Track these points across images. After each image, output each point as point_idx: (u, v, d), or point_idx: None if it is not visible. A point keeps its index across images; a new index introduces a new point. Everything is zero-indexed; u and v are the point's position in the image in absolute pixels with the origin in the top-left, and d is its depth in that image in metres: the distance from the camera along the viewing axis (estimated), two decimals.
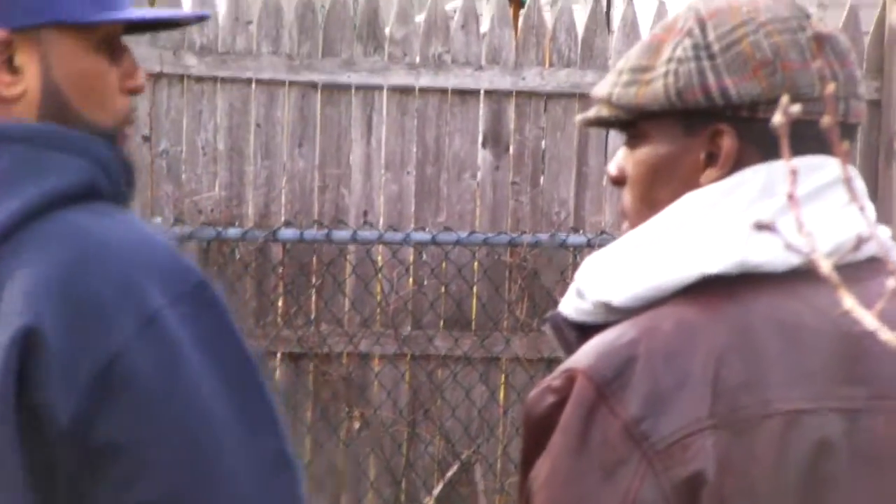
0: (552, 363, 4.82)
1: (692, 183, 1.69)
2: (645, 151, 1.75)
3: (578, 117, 1.96)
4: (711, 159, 1.69)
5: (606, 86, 1.77)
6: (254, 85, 5.28)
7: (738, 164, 1.67)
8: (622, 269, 1.71)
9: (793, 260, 1.60)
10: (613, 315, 1.70)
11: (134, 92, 1.71)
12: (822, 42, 1.72)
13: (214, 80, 5.25)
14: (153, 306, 1.52)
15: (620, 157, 1.79)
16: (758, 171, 1.67)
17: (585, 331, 1.73)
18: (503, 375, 5.39)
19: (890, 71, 5.50)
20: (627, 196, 1.78)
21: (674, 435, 1.59)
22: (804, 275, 1.36)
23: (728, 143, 1.67)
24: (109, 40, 1.68)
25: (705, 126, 1.69)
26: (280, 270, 5.24)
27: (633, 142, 1.77)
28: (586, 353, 1.66)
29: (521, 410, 1.73)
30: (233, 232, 5.04)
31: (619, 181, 1.80)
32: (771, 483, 1.60)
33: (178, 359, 1.53)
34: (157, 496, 1.50)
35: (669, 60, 1.72)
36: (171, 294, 1.53)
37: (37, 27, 1.63)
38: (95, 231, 1.57)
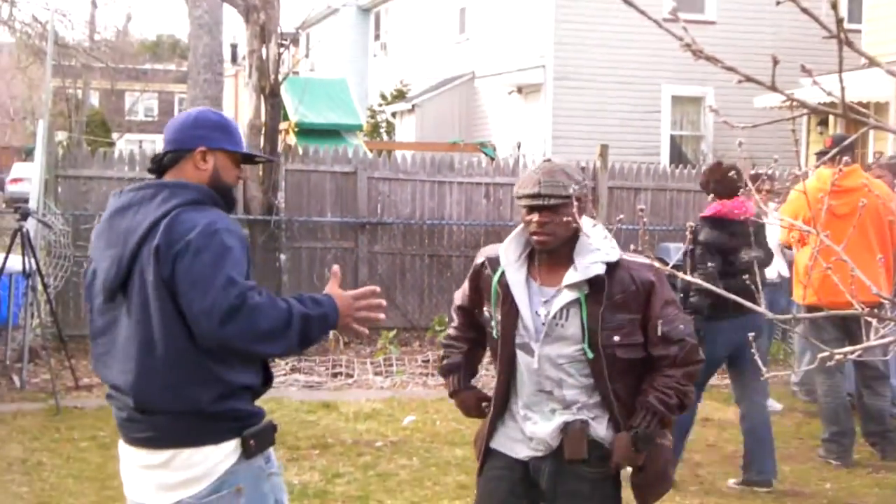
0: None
1: (576, 220, 3.62)
2: (567, 211, 3.56)
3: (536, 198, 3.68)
4: (581, 210, 3.63)
5: (559, 189, 3.54)
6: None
7: (583, 213, 3.66)
8: (609, 250, 3.61)
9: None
10: (606, 266, 3.60)
11: (239, 179, 3.56)
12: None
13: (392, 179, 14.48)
14: (191, 237, 3.27)
15: (546, 214, 3.58)
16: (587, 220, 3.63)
17: (605, 273, 3.62)
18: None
19: (603, 173, 14.45)
20: (556, 228, 3.57)
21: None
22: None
23: (583, 205, 3.66)
24: (236, 156, 3.54)
25: (584, 200, 3.68)
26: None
27: (557, 209, 3.55)
28: (638, 262, 3.55)
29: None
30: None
31: (546, 224, 3.56)
32: None
33: (197, 253, 3.28)
34: (192, 296, 3.25)
35: (580, 180, 3.66)
36: (201, 234, 3.28)
37: (215, 149, 3.49)
38: (186, 214, 3.34)
